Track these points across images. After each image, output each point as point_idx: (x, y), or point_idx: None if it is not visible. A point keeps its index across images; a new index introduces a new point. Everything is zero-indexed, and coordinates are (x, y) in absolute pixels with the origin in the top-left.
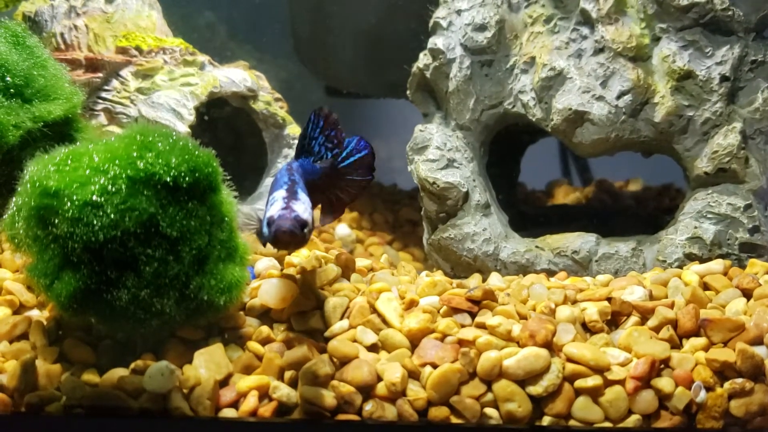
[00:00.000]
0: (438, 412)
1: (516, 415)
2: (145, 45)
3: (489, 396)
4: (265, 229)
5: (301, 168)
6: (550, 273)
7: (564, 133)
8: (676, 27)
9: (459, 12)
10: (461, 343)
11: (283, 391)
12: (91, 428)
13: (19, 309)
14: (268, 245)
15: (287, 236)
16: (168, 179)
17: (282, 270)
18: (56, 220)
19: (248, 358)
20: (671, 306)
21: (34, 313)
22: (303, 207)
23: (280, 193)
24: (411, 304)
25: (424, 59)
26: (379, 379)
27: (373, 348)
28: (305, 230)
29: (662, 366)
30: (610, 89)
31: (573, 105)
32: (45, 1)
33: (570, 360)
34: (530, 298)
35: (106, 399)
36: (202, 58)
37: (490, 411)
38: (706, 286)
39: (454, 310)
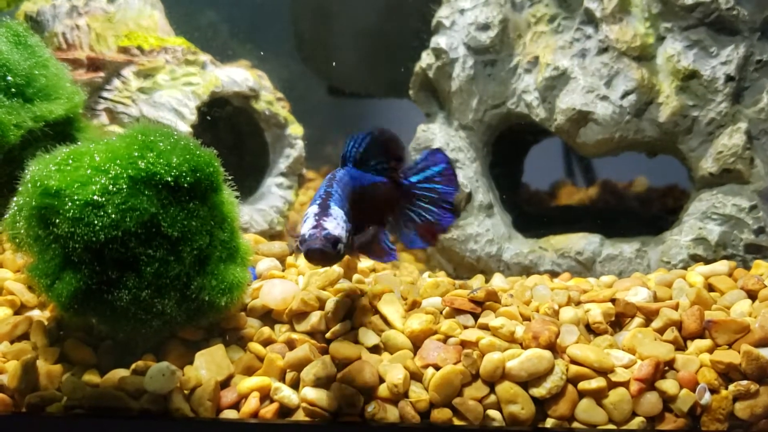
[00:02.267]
0: (440, 414)
1: (519, 417)
2: (147, 44)
3: (492, 398)
4: (300, 246)
5: (349, 176)
6: (554, 274)
7: (568, 133)
8: (680, 26)
9: (462, 11)
10: (464, 344)
11: (284, 393)
12: (92, 429)
13: (20, 309)
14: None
15: (317, 255)
16: (169, 179)
17: (283, 271)
18: (57, 220)
19: (249, 359)
20: (676, 307)
21: (35, 314)
22: (334, 223)
23: (312, 209)
24: (413, 305)
25: (426, 59)
26: (381, 380)
27: (375, 349)
28: (338, 246)
29: (666, 368)
30: (614, 89)
31: (577, 105)
32: (47, 1)
33: (573, 362)
34: (533, 299)
35: (106, 399)
36: (204, 57)
37: (492, 413)
38: (710, 288)
39: (457, 311)
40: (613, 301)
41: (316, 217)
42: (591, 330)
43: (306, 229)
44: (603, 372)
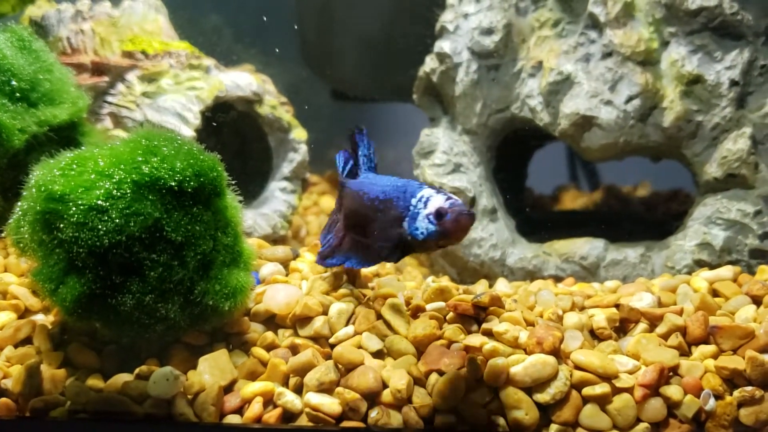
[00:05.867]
0: (444, 420)
1: (523, 422)
2: (151, 49)
3: (496, 403)
4: (430, 226)
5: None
6: (558, 279)
7: (572, 138)
8: (684, 31)
9: (466, 16)
10: (468, 349)
11: (288, 398)
12: None
13: (24, 313)
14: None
15: (469, 220)
16: (173, 184)
17: (287, 275)
18: (61, 225)
19: (253, 364)
20: (680, 313)
21: (39, 318)
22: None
23: (427, 191)
24: (417, 310)
25: (430, 63)
26: (385, 385)
27: (378, 354)
28: None
29: (671, 374)
30: (618, 93)
31: (581, 109)
32: (52, 5)
33: (578, 367)
34: (537, 304)
35: (110, 404)
36: (208, 61)
37: (496, 418)
38: (715, 293)
39: (461, 317)
40: (617, 306)
41: (439, 192)
42: (595, 335)
43: (440, 201)
44: (607, 378)
